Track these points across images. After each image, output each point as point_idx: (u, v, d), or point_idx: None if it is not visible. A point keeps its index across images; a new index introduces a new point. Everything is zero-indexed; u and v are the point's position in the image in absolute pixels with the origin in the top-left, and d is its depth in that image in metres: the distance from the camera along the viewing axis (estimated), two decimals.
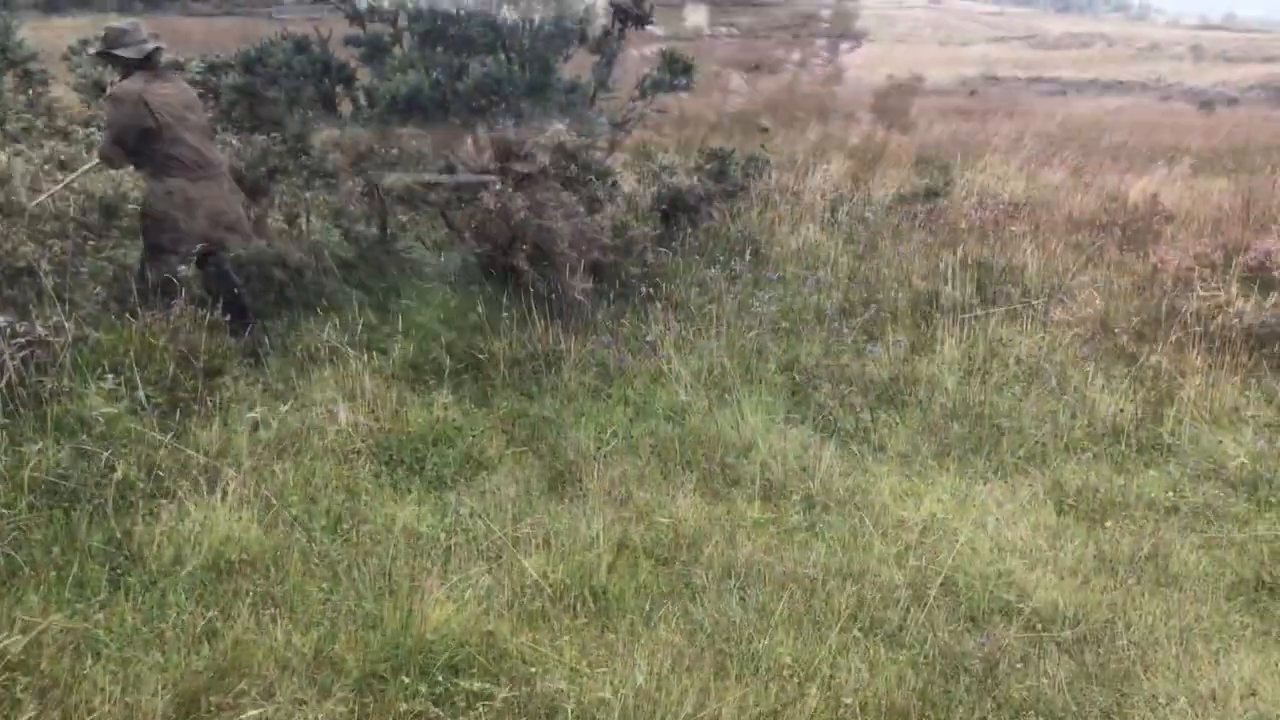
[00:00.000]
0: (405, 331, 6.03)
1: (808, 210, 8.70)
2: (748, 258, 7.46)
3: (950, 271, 7.47)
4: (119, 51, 5.53)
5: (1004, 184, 10.52)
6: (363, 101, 7.03)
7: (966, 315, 6.64)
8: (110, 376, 4.61)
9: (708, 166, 8.40)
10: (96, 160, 6.05)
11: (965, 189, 10.26)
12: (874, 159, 12.69)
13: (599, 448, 5.02)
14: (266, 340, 5.92)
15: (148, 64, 5.56)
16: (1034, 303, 6.91)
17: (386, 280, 7.03)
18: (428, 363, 5.93)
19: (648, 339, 6.43)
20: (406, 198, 7.02)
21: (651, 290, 7.00)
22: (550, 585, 3.82)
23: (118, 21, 5.69)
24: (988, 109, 21.45)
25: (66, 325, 4.78)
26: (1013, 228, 8.57)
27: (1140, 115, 22.63)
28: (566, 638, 3.55)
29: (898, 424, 5.55)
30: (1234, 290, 7.22)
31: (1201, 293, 6.99)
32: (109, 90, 5.56)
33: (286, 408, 5.08)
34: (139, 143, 5.50)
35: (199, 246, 5.57)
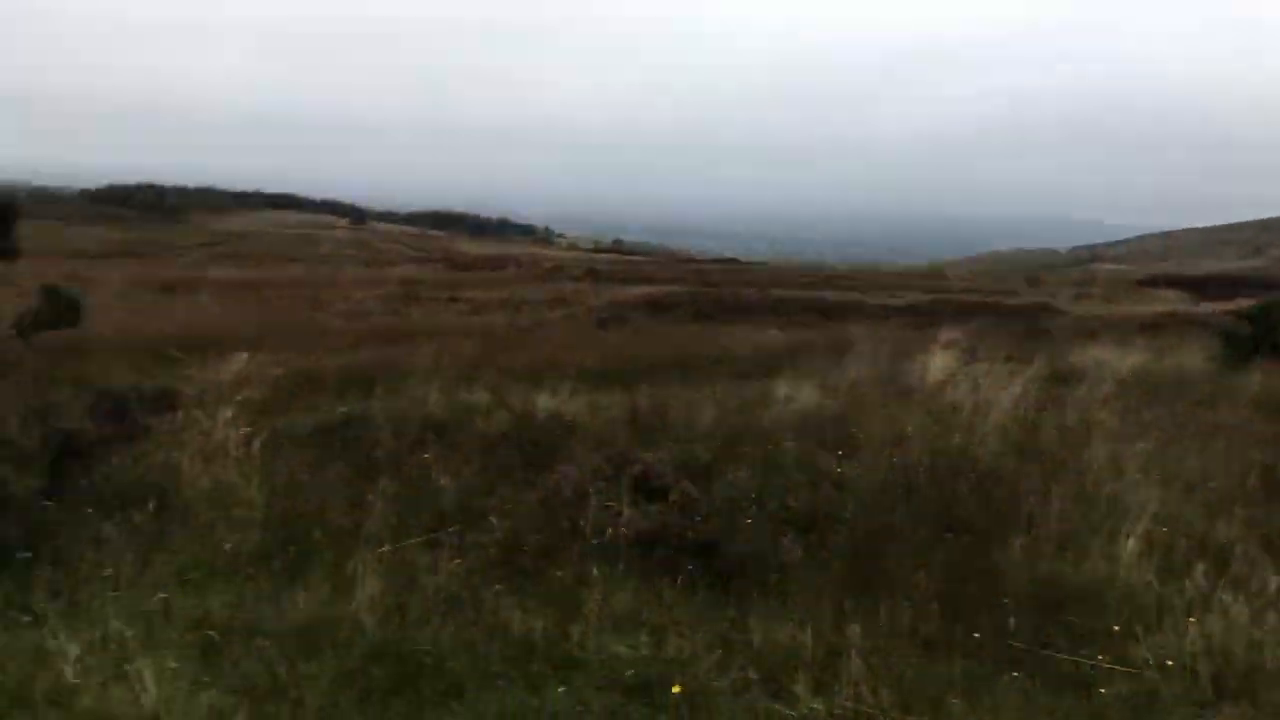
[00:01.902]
0: None
1: (220, 447, 8.31)
2: (150, 506, 6.92)
3: (374, 502, 7.51)
4: None
5: (422, 406, 10.89)
6: None
7: (385, 548, 6.67)
8: None
9: (104, 405, 7.76)
10: None
11: (385, 412, 10.48)
12: (298, 385, 12.60)
13: None
14: None
15: None
16: (450, 530, 7.13)
17: None
18: None
19: (29, 610, 5.67)
20: None
21: (34, 553, 6.21)
22: None
23: None
24: (413, 330, 22.48)
25: None
26: (425, 454, 8.84)
27: (550, 333, 25.05)
28: None
29: (316, 675, 5.34)
30: (625, 500, 8.03)
31: (596, 504, 7.68)
32: None
33: None
34: None
35: None
